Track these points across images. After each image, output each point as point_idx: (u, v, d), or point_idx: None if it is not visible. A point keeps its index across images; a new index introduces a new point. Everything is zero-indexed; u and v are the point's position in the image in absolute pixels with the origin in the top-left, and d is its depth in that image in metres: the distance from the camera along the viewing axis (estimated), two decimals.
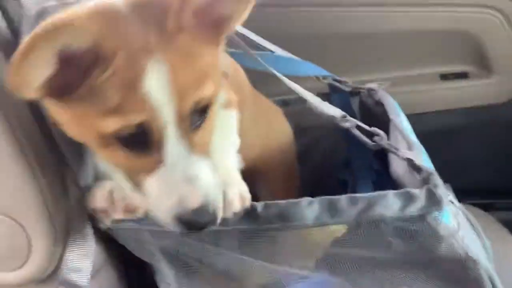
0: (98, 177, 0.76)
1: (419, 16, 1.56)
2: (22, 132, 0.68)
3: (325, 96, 1.06)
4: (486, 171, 1.67)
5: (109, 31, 0.60)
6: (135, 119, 0.61)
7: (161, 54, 0.61)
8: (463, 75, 1.62)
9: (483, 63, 1.60)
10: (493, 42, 1.57)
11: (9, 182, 0.68)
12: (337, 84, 1.21)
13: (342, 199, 0.73)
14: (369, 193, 0.73)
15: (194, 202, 0.63)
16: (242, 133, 0.88)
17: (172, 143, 0.63)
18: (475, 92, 1.62)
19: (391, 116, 1.02)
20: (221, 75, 0.75)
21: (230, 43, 0.94)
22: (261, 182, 1.13)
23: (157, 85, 0.61)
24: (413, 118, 1.03)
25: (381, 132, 0.87)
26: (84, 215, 0.74)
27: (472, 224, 0.89)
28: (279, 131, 1.23)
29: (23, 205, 0.69)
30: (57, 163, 0.74)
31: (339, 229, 0.76)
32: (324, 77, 1.20)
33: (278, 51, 1.14)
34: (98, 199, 0.73)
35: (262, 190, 1.12)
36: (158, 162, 0.64)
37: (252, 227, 0.74)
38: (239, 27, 1.05)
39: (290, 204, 0.74)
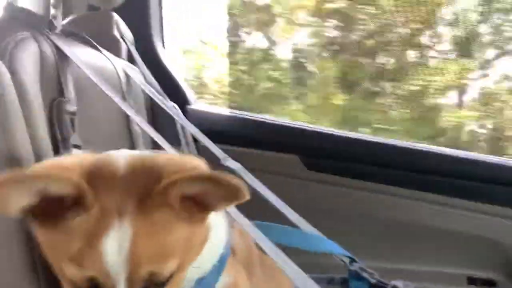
0: None
1: (450, 216, 1.60)
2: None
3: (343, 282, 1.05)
4: None
5: (93, 185, 0.64)
6: (86, 273, 0.63)
7: (131, 219, 0.64)
8: (491, 283, 1.59)
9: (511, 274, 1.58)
10: None
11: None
12: (364, 273, 1.20)
13: None
14: None
15: None
16: None
17: None
18: None
19: None
20: (199, 249, 0.76)
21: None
22: None
23: (113, 247, 0.63)
24: None
25: None
26: None
27: None
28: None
29: None
30: None
31: None
32: (352, 262, 1.20)
33: (301, 222, 1.17)
34: None
35: None
36: None
37: None
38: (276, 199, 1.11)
39: None
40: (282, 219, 1.14)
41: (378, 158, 1.66)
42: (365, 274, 1.20)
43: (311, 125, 1.81)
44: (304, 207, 1.21)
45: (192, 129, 1.31)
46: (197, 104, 1.85)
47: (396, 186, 1.61)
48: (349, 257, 1.21)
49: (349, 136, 1.73)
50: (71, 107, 1.12)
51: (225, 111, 1.94)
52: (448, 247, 1.61)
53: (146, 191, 0.66)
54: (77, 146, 1.08)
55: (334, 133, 1.74)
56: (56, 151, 1.03)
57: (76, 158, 0.69)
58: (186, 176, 0.66)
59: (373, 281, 1.20)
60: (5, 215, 0.65)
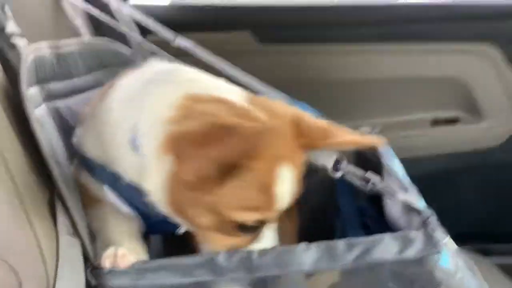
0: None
1: (410, 63, 1.61)
2: (19, 179, 0.69)
3: None
4: (481, 215, 1.67)
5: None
6: (266, 215, 0.72)
7: (293, 165, 0.72)
8: (454, 121, 1.65)
9: (473, 108, 1.63)
10: (481, 88, 1.61)
11: (2, 226, 0.67)
12: None
13: (340, 244, 0.72)
14: (366, 237, 0.73)
15: None
16: None
17: (268, 225, 0.76)
18: (466, 136, 1.65)
19: (385, 160, 1.03)
20: None
21: None
22: None
23: (285, 192, 0.72)
24: (406, 163, 1.04)
25: (376, 176, 0.87)
26: (77, 263, 0.73)
27: (469, 268, 0.89)
28: None
29: (16, 249, 0.68)
30: (51, 209, 0.74)
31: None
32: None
33: (267, 89, 1.16)
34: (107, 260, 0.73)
35: None
36: (254, 239, 0.75)
37: (248, 275, 0.72)
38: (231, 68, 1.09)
39: (287, 250, 0.73)
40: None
41: (328, 19, 1.64)
42: None
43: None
44: (263, 80, 1.20)
45: (138, 16, 1.24)
46: None
47: (352, 43, 1.59)
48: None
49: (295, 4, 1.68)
50: None
51: (165, 1, 1.84)
52: (411, 94, 1.64)
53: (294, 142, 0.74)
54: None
55: (280, 3, 1.69)
56: None
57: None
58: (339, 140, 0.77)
59: None
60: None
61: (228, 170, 0.66)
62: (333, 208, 1.16)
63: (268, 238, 0.76)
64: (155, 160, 0.70)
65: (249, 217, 0.71)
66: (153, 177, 0.71)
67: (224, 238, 0.74)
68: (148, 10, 1.61)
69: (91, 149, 0.83)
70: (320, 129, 0.77)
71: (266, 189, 0.70)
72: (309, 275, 0.73)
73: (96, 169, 0.82)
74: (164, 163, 0.69)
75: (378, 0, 1.68)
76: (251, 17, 1.65)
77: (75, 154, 0.87)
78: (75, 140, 0.88)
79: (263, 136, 0.66)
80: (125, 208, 0.83)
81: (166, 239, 0.96)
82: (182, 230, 0.86)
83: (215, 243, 0.75)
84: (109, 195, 0.83)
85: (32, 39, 0.96)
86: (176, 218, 0.76)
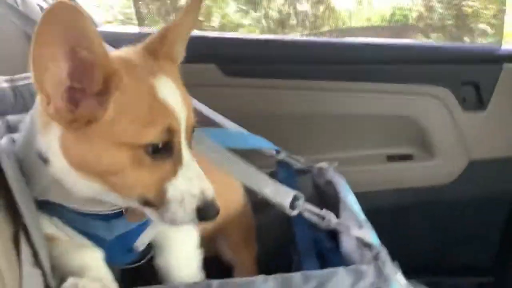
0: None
1: (367, 101, 1.68)
2: None
3: (271, 175, 1.10)
4: (432, 249, 1.73)
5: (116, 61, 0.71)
6: (170, 128, 0.72)
7: (166, 76, 0.75)
8: (408, 157, 1.71)
9: (426, 146, 1.70)
10: (434, 128, 1.69)
11: None
12: (291, 160, 1.25)
13: (296, 277, 0.75)
14: (321, 270, 0.76)
15: (209, 194, 0.74)
16: None
17: (185, 147, 0.75)
18: (420, 173, 1.71)
19: (341, 195, 1.07)
20: None
21: None
22: (221, 239, 1.22)
23: (169, 93, 0.73)
24: (361, 197, 1.08)
25: (331, 214, 0.92)
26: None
27: None
28: (233, 193, 1.26)
29: None
30: (15, 241, 0.74)
31: None
32: (278, 153, 1.25)
33: (227, 123, 1.20)
34: None
35: (223, 245, 1.22)
36: (178, 165, 0.74)
37: None
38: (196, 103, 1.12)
39: (245, 282, 0.75)
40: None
41: (291, 55, 1.68)
42: (292, 161, 1.26)
43: (225, 33, 1.79)
44: (226, 113, 1.23)
45: None
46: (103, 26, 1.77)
47: (312, 80, 1.65)
48: (275, 149, 1.25)
49: (261, 38, 1.73)
50: None
51: (134, 29, 1.87)
52: (369, 130, 1.70)
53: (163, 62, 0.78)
54: None
55: (247, 37, 1.74)
56: None
57: None
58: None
59: (299, 165, 1.26)
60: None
61: (102, 93, 0.68)
62: (289, 240, 1.19)
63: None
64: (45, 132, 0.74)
65: (153, 134, 0.71)
66: (52, 149, 0.73)
67: (147, 174, 0.73)
68: (115, 36, 1.64)
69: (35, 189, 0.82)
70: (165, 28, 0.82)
71: (151, 99, 0.71)
72: None
73: (44, 207, 0.82)
74: (51, 127, 0.72)
75: (337, 39, 1.74)
76: (217, 50, 1.69)
77: None
78: None
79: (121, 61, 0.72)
80: (80, 238, 0.84)
81: (125, 271, 0.96)
82: (140, 261, 0.87)
83: (140, 183, 0.73)
84: (62, 228, 0.83)
85: (3, 73, 0.98)
86: (99, 191, 0.75)
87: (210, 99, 1.17)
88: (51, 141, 0.73)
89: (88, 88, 0.68)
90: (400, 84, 1.66)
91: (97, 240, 0.84)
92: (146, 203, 0.75)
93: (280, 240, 1.24)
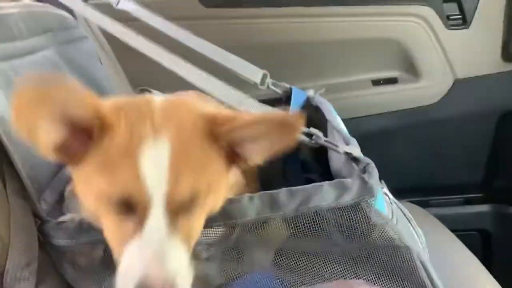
0: None
1: (350, 26, 1.65)
2: None
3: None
4: (419, 170, 1.76)
5: (124, 116, 0.63)
6: (119, 185, 0.61)
7: (168, 138, 0.62)
8: (393, 81, 1.70)
9: (411, 68, 1.70)
10: (418, 49, 1.67)
11: None
12: (276, 89, 1.24)
13: (281, 193, 0.75)
14: (306, 186, 0.76)
15: (156, 284, 0.58)
16: None
17: (155, 218, 0.61)
18: (405, 96, 1.72)
19: (328, 118, 1.06)
20: None
21: None
22: None
23: (152, 163, 0.61)
24: (348, 123, 1.08)
25: (318, 131, 0.91)
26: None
27: (405, 216, 0.94)
28: None
29: None
30: None
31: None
32: (264, 80, 1.23)
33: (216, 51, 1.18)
34: None
35: None
36: (138, 231, 0.61)
37: None
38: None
39: (232, 201, 0.76)
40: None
41: None
42: (276, 89, 1.24)
43: None
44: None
45: None
46: None
47: (293, 6, 1.61)
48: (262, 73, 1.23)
49: None
50: None
51: None
52: (353, 55, 1.69)
53: (186, 126, 0.65)
54: None
55: None
56: None
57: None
58: (244, 121, 0.66)
59: (286, 94, 1.25)
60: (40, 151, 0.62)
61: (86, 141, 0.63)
62: (277, 167, 1.20)
63: (177, 256, 0.62)
64: None
65: (115, 188, 0.61)
66: None
67: (108, 221, 0.65)
68: None
69: None
70: (223, 115, 0.68)
71: (128, 161, 0.61)
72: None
73: None
74: None
75: None
76: None
77: None
78: None
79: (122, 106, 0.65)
80: None
81: None
82: None
83: (105, 231, 0.66)
84: None
85: None
86: None
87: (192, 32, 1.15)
88: None
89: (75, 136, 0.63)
90: (383, 6, 1.63)
91: None
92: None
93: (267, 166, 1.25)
